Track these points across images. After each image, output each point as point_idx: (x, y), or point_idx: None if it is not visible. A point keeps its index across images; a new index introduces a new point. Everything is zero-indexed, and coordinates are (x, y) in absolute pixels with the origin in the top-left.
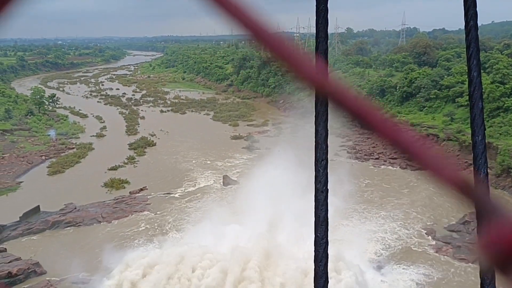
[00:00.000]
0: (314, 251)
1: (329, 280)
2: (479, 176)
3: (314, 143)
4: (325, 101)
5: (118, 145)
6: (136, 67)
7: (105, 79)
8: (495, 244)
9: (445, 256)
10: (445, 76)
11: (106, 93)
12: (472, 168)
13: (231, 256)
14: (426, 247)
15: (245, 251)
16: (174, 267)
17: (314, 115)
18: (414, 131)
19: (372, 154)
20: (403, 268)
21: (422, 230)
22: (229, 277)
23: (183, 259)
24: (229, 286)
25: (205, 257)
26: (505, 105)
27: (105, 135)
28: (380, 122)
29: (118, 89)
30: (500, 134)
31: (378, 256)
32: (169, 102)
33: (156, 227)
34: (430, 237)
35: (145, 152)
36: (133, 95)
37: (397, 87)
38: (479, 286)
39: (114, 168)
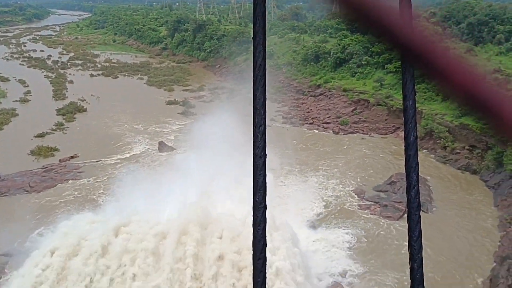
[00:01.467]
0: (253, 215)
1: (266, 244)
2: (409, 140)
3: (251, 109)
4: (263, 65)
5: (44, 110)
6: (62, 28)
7: (28, 40)
8: None
9: (373, 215)
10: (376, 43)
11: (30, 55)
12: (402, 132)
13: (167, 223)
14: (356, 207)
15: (181, 218)
16: (108, 237)
17: (251, 80)
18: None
19: (306, 119)
20: (335, 227)
21: (353, 191)
22: (167, 243)
23: (118, 227)
24: (167, 253)
25: (140, 225)
26: None
27: (30, 100)
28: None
29: (42, 51)
30: (425, 99)
31: (312, 217)
32: (99, 65)
33: (88, 195)
34: (359, 197)
35: (74, 118)
36: (60, 57)
37: (331, 53)
38: (407, 243)
39: (41, 135)
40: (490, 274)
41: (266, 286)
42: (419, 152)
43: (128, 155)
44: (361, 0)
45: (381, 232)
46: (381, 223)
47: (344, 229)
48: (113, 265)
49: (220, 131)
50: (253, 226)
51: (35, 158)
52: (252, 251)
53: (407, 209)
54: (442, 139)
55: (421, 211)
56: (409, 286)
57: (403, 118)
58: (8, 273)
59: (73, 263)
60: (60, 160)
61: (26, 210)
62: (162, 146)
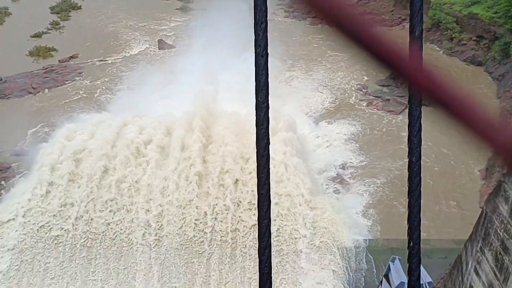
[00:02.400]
0: (256, 115)
1: (270, 142)
2: (415, 34)
3: (252, 4)
4: None
5: (38, 9)
6: None
7: None
8: None
9: (376, 109)
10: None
11: None
12: (408, 25)
13: (172, 120)
14: (358, 101)
15: (187, 114)
16: (115, 134)
17: None
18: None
19: (309, 13)
20: (337, 122)
21: (356, 86)
22: (173, 141)
23: (124, 125)
24: (175, 149)
25: (146, 123)
26: None
27: None
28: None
29: None
30: None
31: (314, 113)
32: None
33: (91, 95)
34: (363, 92)
35: (69, 16)
36: None
37: None
38: (407, 137)
39: (37, 35)
40: (486, 163)
41: (270, 181)
42: (425, 45)
43: (127, 54)
44: (371, 39)
45: (383, 126)
46: (383, 117)
47: (346, 124)
48: (121, 162)
49: (221, 28)
50: (256, 126)
51: (34, 59)
52: (255, 149)
53: (408, 105)
54: (449, 30)
55: (424, 104)
56: (407, 177)
57: (410, 11)
58: (18, 174)
59: (83, 161)
60: (59, 61)
61: (31, 112)
62: (161, 44)
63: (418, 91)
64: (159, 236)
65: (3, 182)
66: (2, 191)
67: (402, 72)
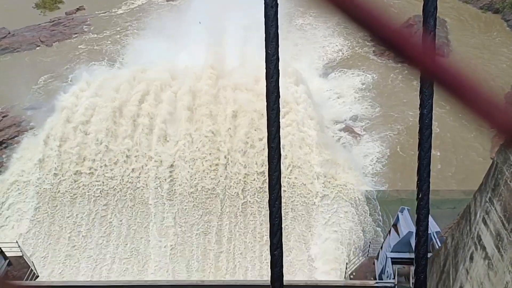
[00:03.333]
0: (266, 68)
1: (280, 95)
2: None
3: None
4: None
5: None
6: None
7: None
8: None
9: (387, 60)
10: None
11: None
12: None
13: (183, 71)
14: (370, 53)
15: (196, 67)
16: (125, 85)
17: None
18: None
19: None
20: (347, 74)
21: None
22: (182, 91)
23: (134, 78)
24: (183, 105)
25: (155, 74)
26: None
27: None
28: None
29: None
30: None
31: (324, 65)
32: None
33: (99, 48)
34: (374, 43)
35: None
36: None
37: None
38: (419, 89)
39: None
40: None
41: (280, 134)
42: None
43: (134, 4)
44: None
45: (393, 77)
46: (395, 68)
47: (357, 75)
48: (133, 112)
49: None
50: (266, 79)
51: (41, 12)
52: (266, 103)
53: (423, 13)
54: None
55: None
56: (417, 129)
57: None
58: (31, 128)
59: (95, 113)
60: (66, 13)
61: (41, 65)
62: None
63: (430, 79)
64: (172, 184)
65: (11, 141)
66: (15, 145)
67: (414, 61)
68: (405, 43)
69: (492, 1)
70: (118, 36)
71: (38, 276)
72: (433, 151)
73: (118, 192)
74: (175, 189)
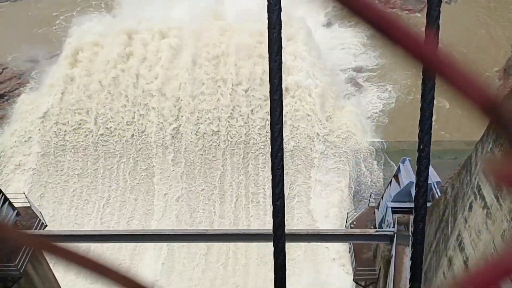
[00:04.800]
0: (268, 18)
1: (282, 46)
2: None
3: None
4: None
5: None
6: None
7: None
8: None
9: (393, 8)
10: None
11: None
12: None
13: (180, 28)
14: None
15: (196, 26)
16: (125, 40)
17: None
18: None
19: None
20: (351, 24)
21: None
22: (184, 55)
23: (135, 31)
24: (186, 62)
25: (155, 30)
26: None
27: None
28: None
29: None
30: None
31: (327, 13)
32: None
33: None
34: None
35: None
36: None
37: None
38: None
39: None
40: (504, 64)
41: (282, 87)
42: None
43: None
44: (387, 23)
45: None
46: (401, 16)
47: (360, 25)
48: (136, 59)
49: None
50: (268, 29)
51: None
52: (268, 55)
53: (427, 4)
54: None
55: (445, 2)
56: (421, 81)
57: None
58: (36, 77)
59: (98, 57)
60: None
61: (39, 14)
62: None
63: (433, 75)
64: (176, 129)
65: (12, 94)
66: (17, 98)
67: (417, 57)
68: (406, 36)
69: None
70: None
71: (46, 225)
72: (441, 102)
73: (122, 139)
74: (181, 134)
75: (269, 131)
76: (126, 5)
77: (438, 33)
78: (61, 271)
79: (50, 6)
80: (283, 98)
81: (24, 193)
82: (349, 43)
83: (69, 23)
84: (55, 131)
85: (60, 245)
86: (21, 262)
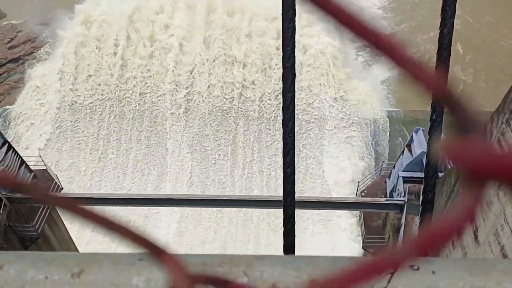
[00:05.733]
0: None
1: (296, 12)
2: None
3: None
4: None
5: None
6: None
7: None
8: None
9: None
10: None
11: None
12: None
13: None
14: None
15: None
16: (139, 4)
17: None
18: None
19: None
20: None
21: None
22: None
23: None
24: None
25: None
26: None
27: None
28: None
29: None
30: None
31: None
32: None
33: None
34: None
35: None
36: None
37: None
38: (441, 7)
39: None
40: None
41: (295, 55)
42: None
43: None
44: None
45: None
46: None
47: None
48: (147, 24)
49: None
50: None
51: None
52: (281, 23)
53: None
54: None
55: None
56: (436, 49)
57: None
58: (50, 41)
59: (110, 25)
60: None
61: None
62: None
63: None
64: (189, 96)
65: (27, 57)
66: (33, 61)
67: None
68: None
69: None
70: None
71: (62, 188)
72: (460, 70)
73: (134, 106)
74: (194, 100)
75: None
76: None
77: (456, 0)
78: (76, 232)
79: None
80: (295, 67)
81: (40, 156)
82: (364, 5)
83: None
84: (70, 94)
85: (77, 204)
86: (39, 222)
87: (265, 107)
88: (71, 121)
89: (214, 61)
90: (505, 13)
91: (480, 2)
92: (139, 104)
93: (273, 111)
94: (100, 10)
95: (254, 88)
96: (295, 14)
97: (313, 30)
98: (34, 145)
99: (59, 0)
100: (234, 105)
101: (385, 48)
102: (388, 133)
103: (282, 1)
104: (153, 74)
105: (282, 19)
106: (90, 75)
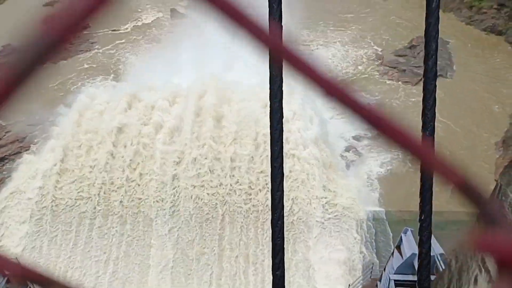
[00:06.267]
0: (270, 88)
1: (283, 115)
2: (431, 6)
3: None
4: None
5: None
6: None
7: None
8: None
9: (391, 80)
10: None
11: None
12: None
13: (184, 92)
14: (374, 72)
15: (200, 87)
16: (126, 107)
17: None
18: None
19: None
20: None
21: (371, 56)
22: (187, 114)
23: (135, 97)
24: (188, 122)
25: (159, 95)
26: None
27: None
28: (337, 89)
29: None
30: None
31: None
32: None
33: (105, 66)
34: (378, 62)
35: None
36: None
37: None
38: (421, 111)
39: (50, 4)
40: (503, 135)
41: (283, 154)
42: (444, 14)
43: (140, 23)
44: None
45: (398, 97)
46: (399, 88)
47: (360, 95)
48: (134, 135)
49: None
50: (270, 99)
51: None
52: (269, 122)
53: (423, 78)
54: None
55: (440, 75)
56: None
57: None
58: (34, 144)
59: (97, 134)
60: None
61: (46, 81)
62: (174, 13)
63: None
64: (174, 209)
65: (13, 157)
66: (18, 162)
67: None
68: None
69: (495, 23)
70: (121, 53)
71: None
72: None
73: (118, 213)
74: (178, 207)
75: (270, 197)
76: (133, 73)
77: (434, 105)
78: None
79: (59, 74)
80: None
81: (17, 258)
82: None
83: (74, 90)
84: (51, 196)
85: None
86: None
87: (253, 205)
88: (49, 222)
89: (200, 158)
90: (475, 116)
91: (451, 105)
92: (123, 210)
93: (261, 210)
94: (89, 115)
95: (240, 189)
96: (282, 117)
97: (300, 137)
98: (10, 246)
99: (53, 102)
100: (220, 201)
101: (373, 118)
102: (376, 234)
103: (270, 105)
104: (137, 178)
105: (270, 120)
106: (73, 178)
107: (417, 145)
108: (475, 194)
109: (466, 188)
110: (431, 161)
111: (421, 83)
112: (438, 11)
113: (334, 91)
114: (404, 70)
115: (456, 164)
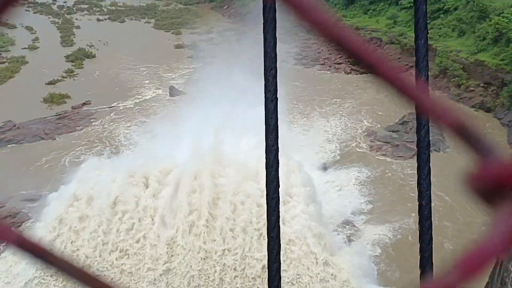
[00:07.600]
0: (266, 157)
1: (280, 185)
2: (421, 79)
3: (262, 51)
4: (273, 7)
5: (54, 57)
6: None
7: None
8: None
9: (385, 155)
10: None
11: (35, 0)
12: (414, 71)
13: (180, 171)
14: (367, 148)
15: (194, 166)
16: (121, 185)
17: (261, 22)
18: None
19: (317, 60)
20: (346, 169)
21: (364, 132)
22: (180, 189)
23: (134, 174)
24: (181, 196)
25: (156, 171)
26: (445, 6)
27: (39, 47)
28: (333, 27)
29: None
30: (440, 36)
31: (323, 159)
32: (105, 9)
33: (103, 142)
34: (371, 138)
35: (83, 64)
36: (65, 2)
37: None
38: (416, 181)
39: (52, 83)
40: None
41: (280, 224)
42: (433, 91)
43: (139, 100)
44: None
45: (392, 172)
46: (392, 163)
47: (355, 170)
48: (128, 216)
49: (232, 75)
50: (266, 168)
51: (48, 106)
52: (265, 191)
53: (417, 148)
54: (456, 77)
55: (434, 150)
56: (418, 220)
57: (415, 58)
58: (28, 220)
59: (89, 214)
60: (72, 107)
61: (42, 157)
62: (172, 91)
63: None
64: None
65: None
66: None
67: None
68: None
69: (483, 100)
70: (120, 129)
71: None
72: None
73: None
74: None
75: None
76: (132, 147)
77: (429, 174)
78: None
79: (57, 149)
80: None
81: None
82: (345, 186)
83: (70, 165)
84: (42, 276)
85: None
86: None
87: (248, 280)
88: None
89: (194, 238)
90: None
91: (444, 179)
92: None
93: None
94: (83, 194)
95: (235, 265)
96: (278, 186)
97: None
98: None
99: (47, 177)
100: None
101: (371, 61)
102: None
103: (266, 174)
104: (130, 261)
105: (267, 190)
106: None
107: (412, 86)
108: (471, 134)
109: (462, 129)
110: (426, 102)
111: (415, 158)
112: (428, 85)
113: (333, 32)
114: (397, 145)
115: (451, 105)
